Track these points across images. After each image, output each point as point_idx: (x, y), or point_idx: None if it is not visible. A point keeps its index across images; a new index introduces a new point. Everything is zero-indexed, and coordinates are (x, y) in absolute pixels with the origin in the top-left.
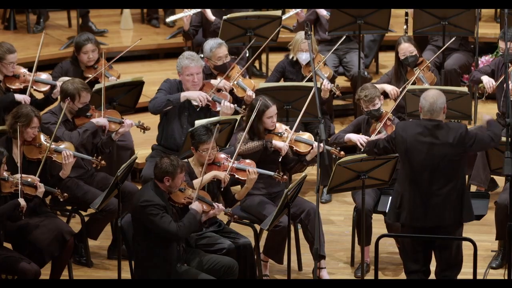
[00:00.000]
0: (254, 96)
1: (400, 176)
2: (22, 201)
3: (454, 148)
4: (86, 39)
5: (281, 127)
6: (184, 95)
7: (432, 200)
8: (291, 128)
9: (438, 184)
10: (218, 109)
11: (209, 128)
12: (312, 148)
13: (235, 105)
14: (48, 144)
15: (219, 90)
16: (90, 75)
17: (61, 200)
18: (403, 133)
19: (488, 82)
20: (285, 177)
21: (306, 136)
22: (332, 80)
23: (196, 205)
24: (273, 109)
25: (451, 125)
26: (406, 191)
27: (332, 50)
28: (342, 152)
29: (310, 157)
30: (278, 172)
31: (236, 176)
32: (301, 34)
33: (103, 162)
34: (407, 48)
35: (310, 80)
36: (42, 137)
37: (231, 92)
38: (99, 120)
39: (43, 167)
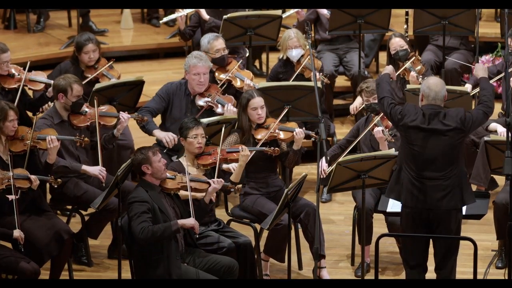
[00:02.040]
0: (252, 85)
1: (400, 155)
2: (16, 232)
3: (455, 133)
4: (87, 39)
5: (271, 121)
6: (154, 133)
7: (432, 184)
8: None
9: (440, 169)
10: (220, 111)
11: (196, 119)
12: (293, 135)
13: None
14: (30, 134)
15: (224, 93)
16: (90, 75)
17: (55, 186)
18: (408, 113)
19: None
20: (276, 149)
21: (291, 124)
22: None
23: (187, 220)
24: (257, 100)
25: (450, 111)
26: (406, 171)
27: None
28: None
29: (297, 146)
30: (269, 147)
31: (229, 159)
32: (288, 32)
33: (86, 139)
34: (397, 43)
35: (300, 74)
36: (25, 129)
37: (229, 84)
38: (88, 170)
39: (30, 157)
